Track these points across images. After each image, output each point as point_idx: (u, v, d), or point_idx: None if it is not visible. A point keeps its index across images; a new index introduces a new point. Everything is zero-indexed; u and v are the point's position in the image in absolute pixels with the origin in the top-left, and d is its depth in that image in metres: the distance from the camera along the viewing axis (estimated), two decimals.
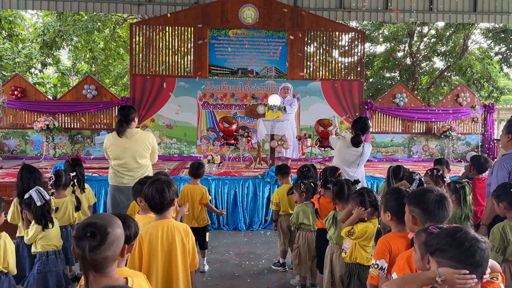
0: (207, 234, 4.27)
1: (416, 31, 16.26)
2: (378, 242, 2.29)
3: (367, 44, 16.34)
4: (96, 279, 1.50)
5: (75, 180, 3.65)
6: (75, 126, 9.67)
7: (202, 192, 4.16)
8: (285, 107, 6.70)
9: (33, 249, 3.01)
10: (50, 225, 2.98)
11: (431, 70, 17.12)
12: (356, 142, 4.18)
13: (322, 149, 6.32)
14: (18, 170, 3.27)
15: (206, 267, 4.23)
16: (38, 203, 2.90)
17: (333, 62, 10.11)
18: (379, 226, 2.69)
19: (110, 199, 4.05)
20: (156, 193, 2.26)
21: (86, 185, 4.14)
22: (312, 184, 3.65)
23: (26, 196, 2.94)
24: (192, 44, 9.64)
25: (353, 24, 15.42)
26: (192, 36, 9.61)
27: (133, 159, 3.98)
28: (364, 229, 2.69)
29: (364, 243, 2.69)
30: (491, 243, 2.75)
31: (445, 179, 3.57)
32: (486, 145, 10.34)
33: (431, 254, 1.45)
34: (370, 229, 2.69)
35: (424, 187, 2.13)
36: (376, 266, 2.15)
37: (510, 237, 2.69)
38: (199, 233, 4.09)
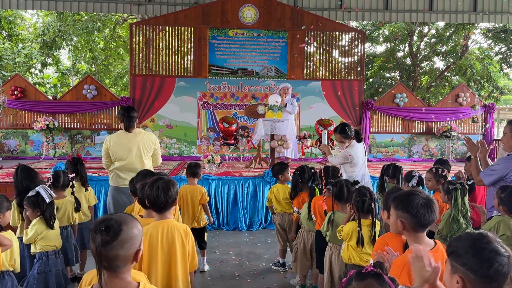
0: (206, 234, 4.27)
1: (416, 31, 16.26)
2: (376, 242, 2.30)
3: (367, 44, 16.34)
4: (109, 279, 1.48)
5: (74, 182, 3.64)
6: (75, 126, 9.67)
7: (202, 192, 4.15)
8: (286, 104, 6.73)
9: (32, 250, 3.00)
10: (53, 222, 2.98)
11: (431, 70, 17.13)
12: (360, 138, 4.32)
13: None
14: (14, 172, 3.28)
15: (206, 267, 4.24)
16: (47, 200, 2.91)
17: (333, 62, 10.11)
18: (358, 227, 2.64)
19: (111, 200, 4.04)
20: (161, 191, 2.26)
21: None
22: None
23: (32, 193, 2.94)
24: (192, 44, 9.65)
25: (353, 24, 15.41)
26: (192, 36, 9.61)
27: (138, 159, 3.98)
28: (346, 228, 2.69)
29: (351, 244, 2.68)
30: (483, 228, 2.82)
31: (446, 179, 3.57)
32: (489, 146, 10.32)
33: (447, 255, 1.39)
34: (350, 229, 2.66)
35: (408, 190, 2.12)
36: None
37: (502, 232, 2.74)
38: (198, 234, 4.10)
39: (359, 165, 4.27)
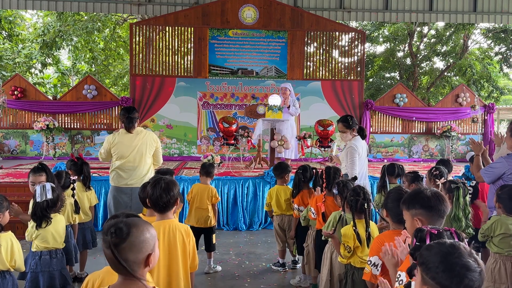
0: (214, 236, 4.22)
1: (416, 31, 16.27)
2: (373, 240, 2.31)
3: (367, 44, 16.35)
4: (124, 283, 1.47)
5: (75, 184, 3.61)
6: (75, 126, 9.68)
7: (213, 192, 4.20)
8: (289, 105, 6.75)
9: (31, 248, 2.99)
10: (43, 224, 2.89)
11: (431, 70, 17.14)
12: (364, 135, 4.29)
13: (322, 149, 6.33)
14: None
15: (219, 268, 4.26)
16: (38, 199, 2.85)
17: (333, 62, 10.12)
18: (354, 226, 2.63)
19: (112, 200, 4.03)
20: (163, 191, 2.27)
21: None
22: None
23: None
24: (192, 44, 9.65)
25: (353, 24, 15.42)
26: (192, 36, 9.62)
27: (140, 157, 4.00)
28: (348, 237, 2.67)
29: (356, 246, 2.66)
30: (482, 229, 2.95)
31: (440, 180, 3.55)
32: (486, 145, 10.33)
33: (419, 264, 1.35)
34: (349, 234, 2.65)
35: (414, 189, 2.13)
36: (369, 262, 2.18)
37: (498, 232, 2.83)
38: (205, 234, 4.12)
39: (361, 159, 4.24)
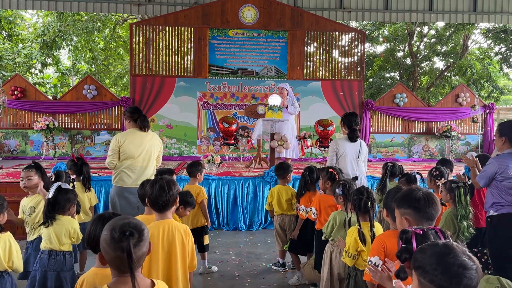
0: (206, 236, 4.18)
1: (416, 31, 16.27)
2: (374, 240, 2.32)
3: (367, 44, 16.35)
4: (121, 280, 1.49)
5: (75, 183, 3.61)
6: (75, 126, 9.68)
7: (197, 191, 4.11)
8: (287, 105, 6.75)
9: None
10: (46, 224, 2.88)
11: (431, 70, 17.14)
12: (353, 136, 4.28)
13: (322, 149, 6.34)
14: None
15: (215, 268, 4.23)
16: (48, 196, 2.88)
17: (333, 62, 10.12)
18: (358, 225, 2.61)
19: (118, 201, 3.94)
20: (162, 191, 2.29)
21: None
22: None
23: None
24: (192, 44, 9.65)
25: (353, 24, 15.42)
26: (192, 36, 9.62)
27: (149, 158, 4.04)
28: (351, 240, 2.64)
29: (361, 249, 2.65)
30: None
31: (440, 180, 3.55)
32: (486, 145, 10.34)
33: (414, 268, 1.34)
34: (354, 237, 2.62)
35: (407, 188, 2.14)
36: (369, 262, 2.18)
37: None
38: (195, 235, 4.09)
39: (344, 158, 4.26)
